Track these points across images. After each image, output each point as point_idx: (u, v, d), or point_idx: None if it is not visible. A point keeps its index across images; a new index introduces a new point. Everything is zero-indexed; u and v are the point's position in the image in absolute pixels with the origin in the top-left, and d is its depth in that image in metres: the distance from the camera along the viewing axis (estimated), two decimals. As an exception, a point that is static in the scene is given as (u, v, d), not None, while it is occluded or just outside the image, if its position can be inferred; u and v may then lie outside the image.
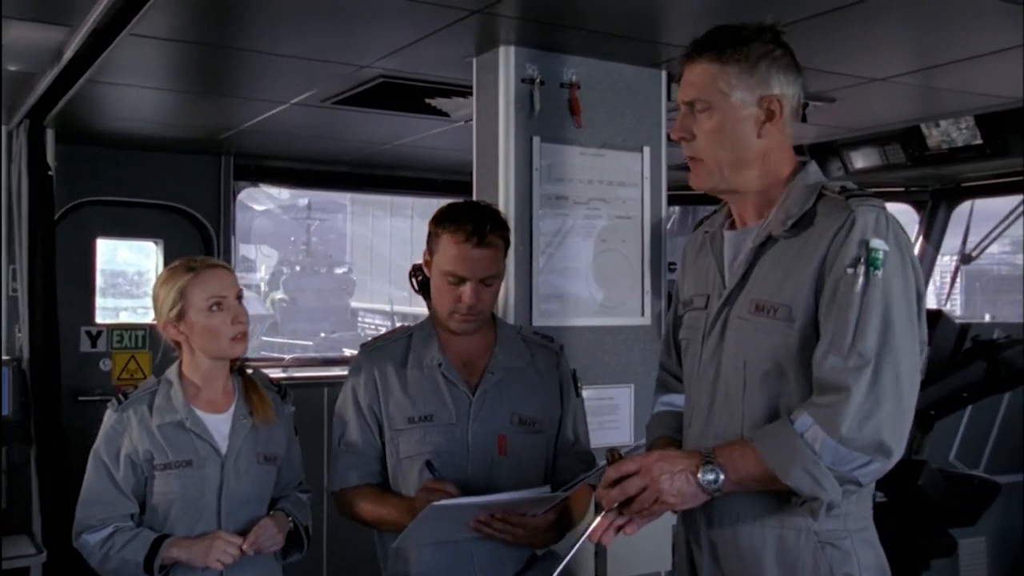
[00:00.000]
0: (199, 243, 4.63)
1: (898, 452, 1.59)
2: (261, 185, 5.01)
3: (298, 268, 26.65)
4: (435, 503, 1.98)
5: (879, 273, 1.57)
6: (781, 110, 1.70)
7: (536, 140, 2.70)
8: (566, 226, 2.76)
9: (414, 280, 3.07)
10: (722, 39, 1.71)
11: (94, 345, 4.49)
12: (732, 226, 1.84)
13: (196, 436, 2.19)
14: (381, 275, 25.32)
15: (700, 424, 1.79)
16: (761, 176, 1.74)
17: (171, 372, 2.26)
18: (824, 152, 4.38)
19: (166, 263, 4.55)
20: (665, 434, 1.94)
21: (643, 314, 2.86)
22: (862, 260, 1.58)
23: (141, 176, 4.49)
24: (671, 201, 3.02)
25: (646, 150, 2.88)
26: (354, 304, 26.29)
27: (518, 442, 2.21)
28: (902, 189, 5.03)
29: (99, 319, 4.53)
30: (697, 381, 1.81)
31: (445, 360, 2.24)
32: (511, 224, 2.64)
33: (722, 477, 1.60)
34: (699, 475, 1.61)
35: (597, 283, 2.81)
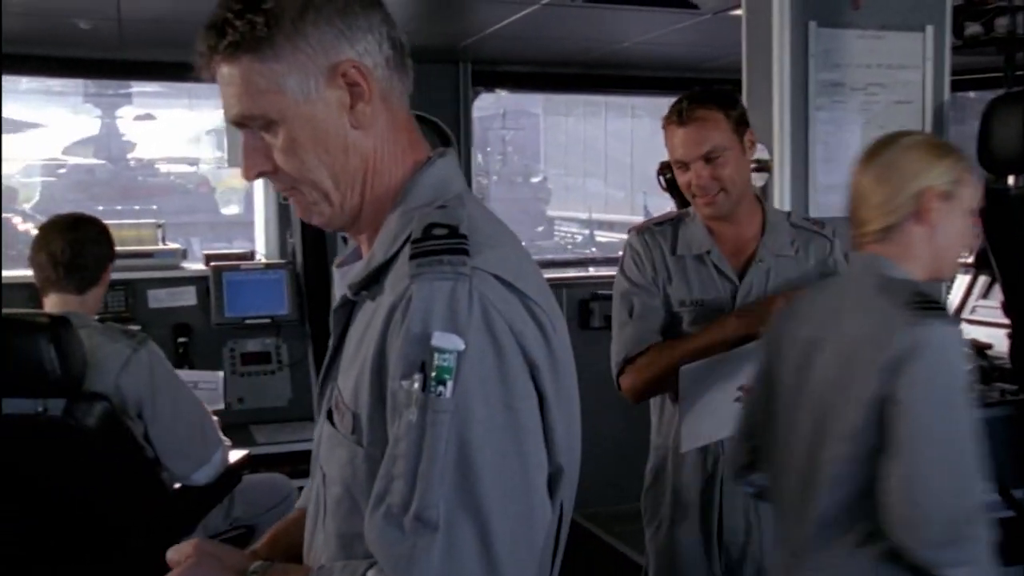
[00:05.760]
0: (440, 151, 4.79)
1: None
2: (497, 91, 5.09)
3: (495, 178, 27.10)
4: (683, 368, 2.04)
5: (444, 389, 1.01)
6: (367, 79, 1.14)
7: (812, 25, 2.62)
8: (843, 113, 2.68)
9: (661, 178, 3.07)
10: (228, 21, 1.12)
11: (352, 248, 4.78)
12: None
13: None
14: (578, 183, 25.30)
15: (308, 535, 1.28)
16: (370, 187, 1.19)
17: None
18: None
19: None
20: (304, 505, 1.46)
21: (924, 203, 2.76)
22: (422, 368, 1.02)
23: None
24: (955, 87, 2.85)
25: (928, 29, 2.74)
26: (550, 212, 26.49)
27: None
28: None
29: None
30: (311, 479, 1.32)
31: (714, 248, 2.27)
32: (784, 115, 2.61)
33: None
34: None
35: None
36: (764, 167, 2.66)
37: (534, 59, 4.75)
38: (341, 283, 1.25)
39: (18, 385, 2.37)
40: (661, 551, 2.36)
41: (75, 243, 2.61)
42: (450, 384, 1.02)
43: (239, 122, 1.16)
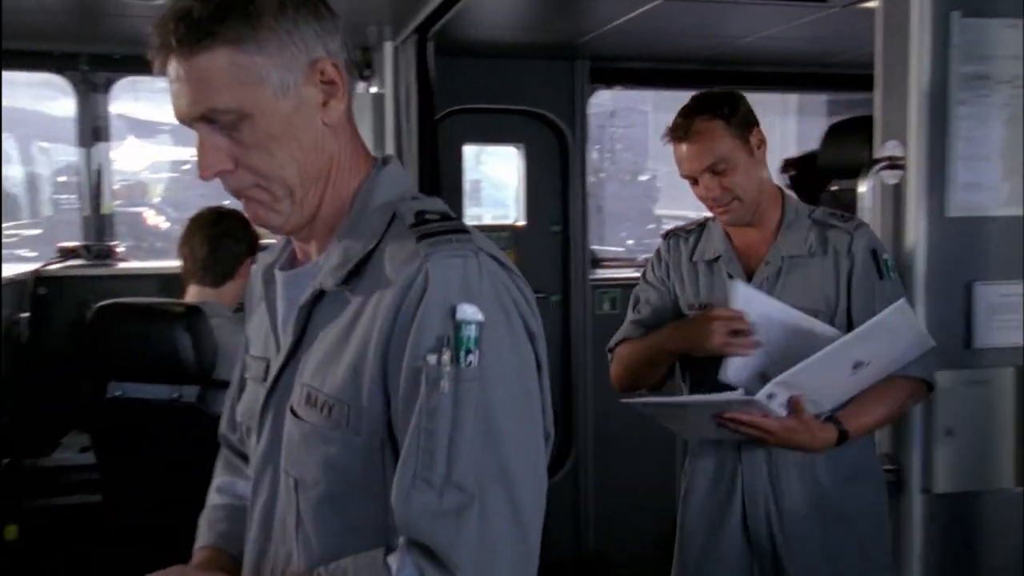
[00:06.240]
0: (556, 148, 4.78)
1: None
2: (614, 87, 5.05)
3: (603, 175, 27.01)
4: (630, 399, 2.10)
5: (472, 359, 1.06)
6: (341, 78, 1.18)
7: (955, 15, 2.49)
8: (986, 108, 2.54)
9: (785, 176, 3.01)
10: (217, 10, 1.11)
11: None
12: (295, 261, 1.31)
13: None
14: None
15: (252, 558, 1.29)
16: (332, 185, 1.21)
17: None
18: None
19: (527, 168, 4.77)
20: (212, 543, 1.44)
21: (1073, 203, 2.60)
22: (448, 341, 1.06)
23: (503, 83, 4.68)
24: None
25: (1086, 17, 2.56)
26: (658, 211, 26.23)
27: None
28: None
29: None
30: (251, 496, 1.32)
31: (727, 251, 2.26)
32: (922, 110, 2.49)
33: None
34: None
35: (1021, 169, 2.58)
36: (897, 164, 2.55)
37: (652, 55, 4.70)
38: (288, 285, 1.26)
39: (155, 371, 2.47)
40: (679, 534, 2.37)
41: (213, 239, 2.70)
42: (476, 354, 1.07)
43: (205, 117, 1.13)
